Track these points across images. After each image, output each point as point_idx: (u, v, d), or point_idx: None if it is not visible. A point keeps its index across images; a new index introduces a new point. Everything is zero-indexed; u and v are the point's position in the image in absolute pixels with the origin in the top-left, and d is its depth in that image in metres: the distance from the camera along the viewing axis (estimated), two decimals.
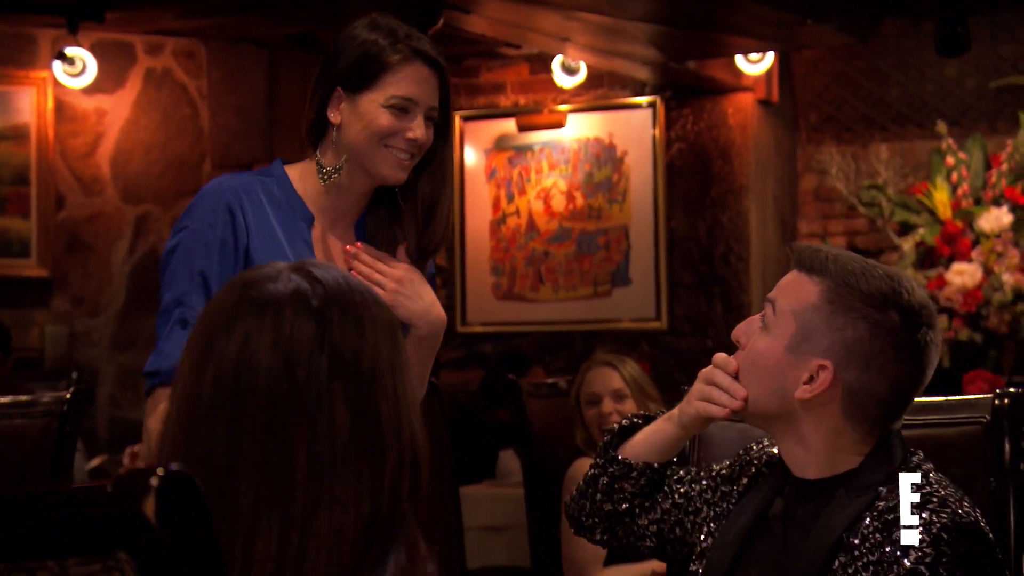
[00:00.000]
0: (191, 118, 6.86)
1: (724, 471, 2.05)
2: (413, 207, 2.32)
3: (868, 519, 1.80)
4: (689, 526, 2.04)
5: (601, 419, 4.06)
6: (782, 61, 6.83)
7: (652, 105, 6.89)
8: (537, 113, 7.08)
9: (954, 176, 6.02)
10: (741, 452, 2.05)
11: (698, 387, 1.98)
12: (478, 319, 7.11)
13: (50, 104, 6.59)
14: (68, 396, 2.76)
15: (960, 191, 5.98)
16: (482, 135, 7.15)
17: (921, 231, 6.00)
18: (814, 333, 1.86)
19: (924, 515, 1.76)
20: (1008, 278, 5.71)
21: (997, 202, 5.91)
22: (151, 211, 6.80)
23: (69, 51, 6.33)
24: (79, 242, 6.73)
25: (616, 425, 2.12)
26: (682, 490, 2.06)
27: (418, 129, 2.24)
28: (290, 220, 2.27)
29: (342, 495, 1.29)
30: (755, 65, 6.44)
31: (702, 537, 2.01)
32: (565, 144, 7.02)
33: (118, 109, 6.76)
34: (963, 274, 5.76)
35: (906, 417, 2.02)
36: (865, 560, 1.77)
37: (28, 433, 2.75)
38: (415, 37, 2.27)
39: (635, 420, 2.11)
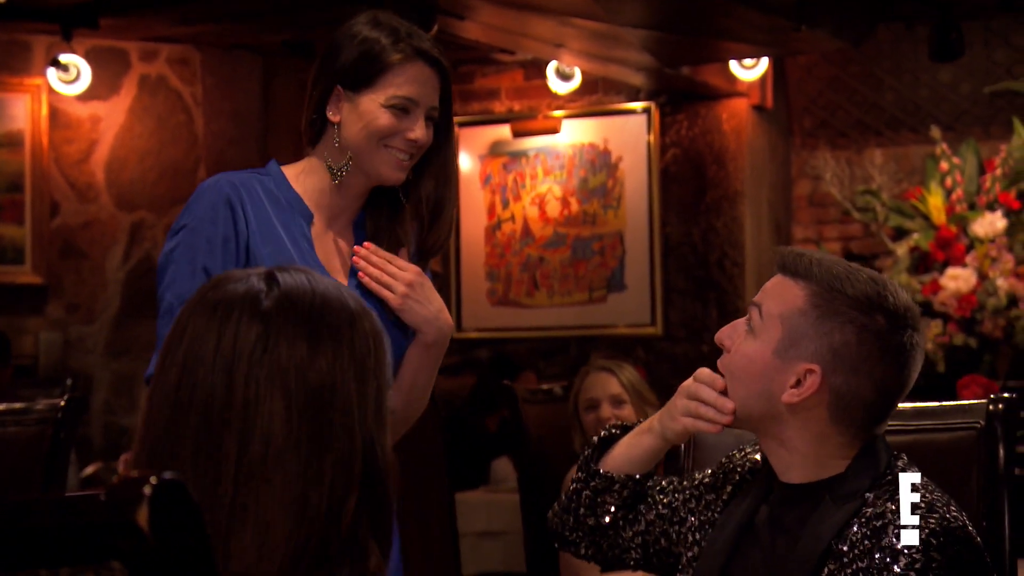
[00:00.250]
0: (186, 125, 6.86)
1: (707, 480, 2.04)
2: (416, 207, 2.28)
3: (856, 526, 1.80)
4: (674, 536, 2.03)
5: (600, 424, 4.05)
6: (776, 66, 6.83)
7: (647, 111, 6.90)
8: (532, 119, 7.08)
9: (948, 181, 6.02)
10: (724, 460, 2.05)
11: (683, 403, 1.96)
12: (473, 325, 7.11)
13: (44, 111, 6.59)
14: (62, 403, 2.74)
15: (954, 196, 5.98)
16: (477, 141, 7.16)
17: (915, 236, 6.00)
18: (802, 337, 1.86)
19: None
20: (1002, 283, 5.72)
21: (991, 207, 5.91)
22: (146, 218, 6.80)
23: (63, 58, 6.32)
24: (73, 249, 6.73)
25: (595, 438, 2.10)
26: (665, 500, 2.05)
27: (419, 130, 2.22)
28: (289, 217, 2.24)
29: (266, 508, 1.27)
30: (749, 71, 6.45)
31: (688, 547, 2.00)
32: (560, 150, 7.02)
33: (112, 116, 6.75)
34: (957, 279, 5.76)
35: (901, 422, 2.02)
36: (854, 567, 1.77)
37: (22, 441, 2.73)
38: (416, 36, 2.24)
39: (613, 431, 2.10)
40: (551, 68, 6.65)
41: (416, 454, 4.12)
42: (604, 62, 6.38)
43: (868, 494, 1.83)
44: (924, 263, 5.97)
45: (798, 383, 1.86)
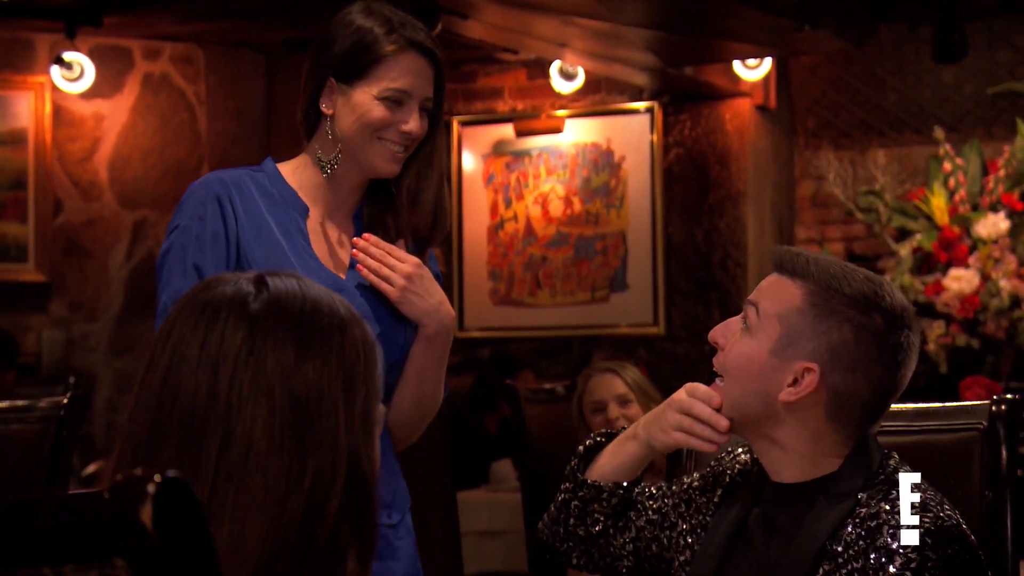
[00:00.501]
0: (189, 123, 6.86)
1: (697, 483, 2.03)
2: (397, 194, 2.26)
3: (850, 527, 1.80)
4: (666, 541, 2.02)
5: (608, 426, 4.02)
6: (779, 67, 6.83)
7: (650, 110, 6.90)
8: (535, 118, 7.08)
9: (951, 182, 6.02)
10: (713, 463, 2.04)
11: (676, 418, 1.94)
12: (476, 324, 7.11)
13: (48, 109, 6.59)
14: (65, 401, 2.74)
15: (957, 197, 5.98)
16: (480, 140, 7.16)
17: (918, 237, 6.00)
18: (799, 336, 1.86)
19: None
20: (1005, 284, 5.72)
21: (994, 208, 5.91)
22: (149, 216, 6.80)
23: (67, 56, 6.33)
24: (77, 247, 6.73)
25: (580, 448, 2.09)
26: (655, 506, 2.04)
27: (412, 122, 2.19)
28: (283, 212, 2.23)
29: (244, 509, 1.27)
30: (752, 71, 6.45)
31: (680, 552, 1.99)
32: (563, 149, 7.02)
33: (116, 114, 6.76)
34: (960, 280, 5.76)
35: (903, 423, 2.03)
36: (850, 567, 1.77)
37: (25, 439, 2.74)
38: (410, 26, 2.22)
39: (598, 439, 2.09)
40: (554, 67, 6.65)
41: (417, 453, 4.12)
42: (607, 62, 6.38)
43: (861, 494, 1.83)
44: (927, 264, 5.97)
45: (795, 382, 1.86)
